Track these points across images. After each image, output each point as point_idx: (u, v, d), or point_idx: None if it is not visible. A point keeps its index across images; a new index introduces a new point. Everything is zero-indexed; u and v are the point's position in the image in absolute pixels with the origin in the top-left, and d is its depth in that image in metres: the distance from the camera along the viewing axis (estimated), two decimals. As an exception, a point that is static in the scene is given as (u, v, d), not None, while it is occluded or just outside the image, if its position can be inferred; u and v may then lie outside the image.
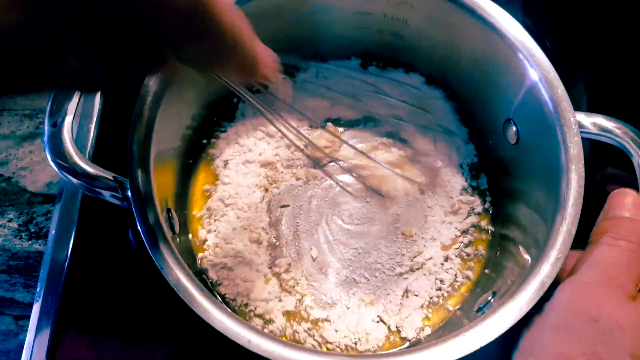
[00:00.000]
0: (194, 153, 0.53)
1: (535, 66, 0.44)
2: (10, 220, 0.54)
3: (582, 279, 0.37)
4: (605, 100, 0.59)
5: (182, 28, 0.27)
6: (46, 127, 0.42)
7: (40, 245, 0.54)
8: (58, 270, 0.49)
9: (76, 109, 0.42)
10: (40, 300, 0.48)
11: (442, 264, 0.50)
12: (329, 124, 0.55)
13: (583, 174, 0.40)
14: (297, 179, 0.53)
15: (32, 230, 0.54)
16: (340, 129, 0.56)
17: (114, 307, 0.49)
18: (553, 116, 0.42)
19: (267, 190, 0.52)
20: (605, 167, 0.46)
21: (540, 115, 0.43)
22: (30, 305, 0.49)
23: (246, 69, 0.34)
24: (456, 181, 0.54)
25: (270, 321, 0.47)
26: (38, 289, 0.48)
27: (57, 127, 0.41)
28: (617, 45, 0.61)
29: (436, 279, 0.50)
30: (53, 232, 0.50)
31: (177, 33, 0.27)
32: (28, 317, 0.47)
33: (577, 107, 0.42)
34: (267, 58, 0.35)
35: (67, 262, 0.49)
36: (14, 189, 0.55)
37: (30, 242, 0.54)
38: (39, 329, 0.47)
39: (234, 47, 0.31)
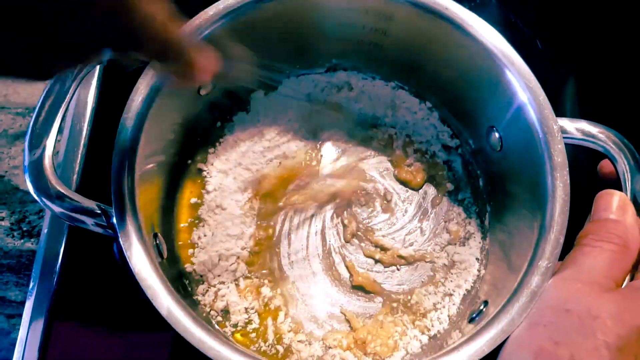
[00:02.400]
0: (178, 175, 0.53)
1: (516, 74, 0.44)
2: (2, 219, 0.54)
3: (560, 277, 0.37)
4: (595, 102, 0.59)
5: (104, 25, 0.29)
6: (26, 157, 0.41)
7: (32, 243, 0.54)
8: (50, 268, 0.49)
9: (58, 142, 0.41)
10: (32, 299, 0.48)
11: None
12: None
13: (568, 181, 0.40)
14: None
15: (25, 228, 0.54)
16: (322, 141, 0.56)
17: (107, 305, 0.49)
18: (535, 124, 0.42)
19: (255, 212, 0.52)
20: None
21: (523, 122, 0.44)
22: (23, 303, 0.48)
23: (179, 69, 0.35)
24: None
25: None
26: (30, 288, 0.48)
27: (37, 156, 0.41)
28: (607, 46, 0.62)
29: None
30: (45, 230, 0.50)
31: (99, 29, 0.29)
32: (20, 316, 0.47)
33: (567, 111, 0.42)
34: (203, 59, 0.36)
35: (59, 261, 0.49)
36: (6, 187, 0.55)
37: (22, 240, 0.54)
38: (31, 327, 0.47)
39: (158, 42, 0.32)
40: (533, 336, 0.35)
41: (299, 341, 0.47)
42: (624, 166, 0.42)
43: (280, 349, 0.47)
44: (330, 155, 0.55)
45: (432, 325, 0.48)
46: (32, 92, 0.59)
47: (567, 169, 0.41)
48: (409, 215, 0.53)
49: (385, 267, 0.51)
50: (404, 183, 0.54)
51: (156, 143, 0.46)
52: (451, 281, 0.51)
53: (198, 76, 0.36)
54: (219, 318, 0.48)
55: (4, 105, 0.58)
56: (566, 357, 0.32)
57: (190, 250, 0.50)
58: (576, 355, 0.32)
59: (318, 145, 0.55)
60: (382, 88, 0.57)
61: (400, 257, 0.51)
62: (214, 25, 0.45)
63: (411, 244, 0.52)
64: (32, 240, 0.54)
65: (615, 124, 0.43)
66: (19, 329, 0.47)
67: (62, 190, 0.40)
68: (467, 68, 0.48)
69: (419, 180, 0.54)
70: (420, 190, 0.54)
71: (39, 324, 0.47)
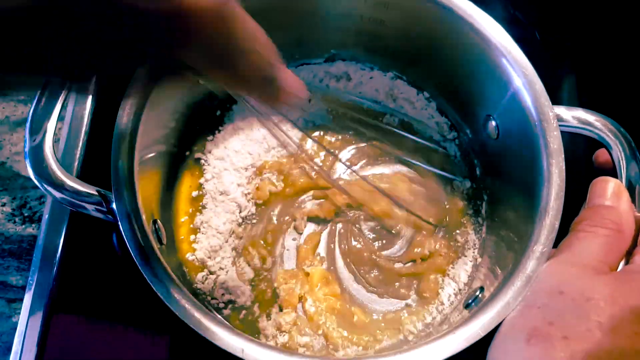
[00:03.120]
0: (177, 162, 0.53)
1: (513, 62, 0.44)
2: (3, 205, 0.55)
3: (554, 261, 0.38)
4: (592, 92, 0.60)
5: (163, 31, 0.28)
6: (27, 142, 0.41)
7: (33, 229, 0.55)
8: (51, 254, 0.49)
9: (59, 129, 0.42)
10: (33, 284, 0.48)
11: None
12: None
13: (564, 167, 0.41)
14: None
15: (26, 214, 0.55)
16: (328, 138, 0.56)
17: (108, 291, 0.49)
18: (531, 111, 0.43)
19: (255, 197, 0.52)
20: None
21: (519, 110, 0.44)
22: (23, 288, 0.49)
23: (261, 87, 0.34)
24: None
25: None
26: (31, 273, 0.49)
27: (38, 142, 0.41)
28: (605, 37, 0.62)
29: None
30: (46, 216, 0.50)
31: (158, 36, 0.29)
32: (21, 300, 0.48)
33: (564, 100, 0.43)
34: (292, 81, 0.35)
35: (60, 246, 0.50)
36: (7, 173, 0.56)
37: (23, 226, 0.54)
38: (31, 312, 0.48)
39: (235, 54, 0.31)
40: (527, 317, 0.36)
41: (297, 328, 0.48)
42: (619, 153, 0.42)
43: (281, 338, 0.47)
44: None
45: (429, 312, 0.49)
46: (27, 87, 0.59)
47: (563, 155, 0.41)
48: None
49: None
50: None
51: (155, 130, 0.46)
52: (449, 268, 0.51)
53: (284, 96, 0.35)
54: (218, 305, 0.48)
55: (5, 93, 0.58)
56: (559, 337, 0.33)
57: (192, 236, 0.50)
58: (569, 335, 0.33)
59: (317, 136, 0.55)
60: (381, 78, 0.57)
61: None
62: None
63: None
64: (33, 225, 0.55)
65: (612, 114, 0.44)
66: (19, 313, 0.47)
67: (63, 176, 0.41)
68: (464, 57, 0.48)
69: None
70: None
71: (39, 314, 0.48)
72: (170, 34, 0.29)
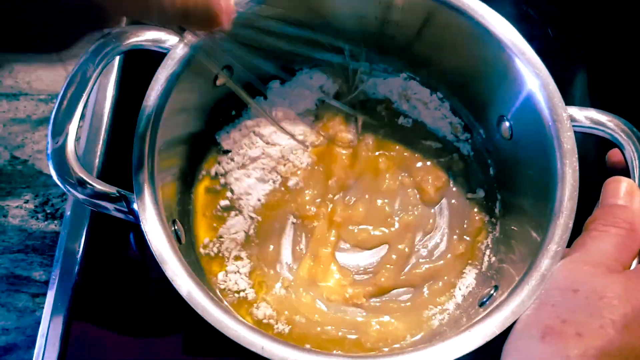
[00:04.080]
0: (197, 162, 0.54)
1: (526, 63, 0.45)
2: (26, 202, 0.56)
3: (568, 260, 0.38)
4: (605, 92, 0.60)
5: None
6: (49, 145, 0.42)
7: (56, 225, 0.56)
8: (73, 249, 0.50)
9: (79, 127, 0.43)
10: (56, 279, 0.49)
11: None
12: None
13: (577, 167, 0.41)
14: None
15: (48, 211, 0.56)
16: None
17: (129, 285, 0.51)
18: (545, 112, 0.43)
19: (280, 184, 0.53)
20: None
21: (533, 111, 0.44)
22: (46, 283, 0.51)
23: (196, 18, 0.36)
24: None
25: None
26: (54, 268, 0.50)
27: (60, 143, 0.42)
28: (618, 35, 0.62)
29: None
30: (68, 213, 0.51)
31: None
32: (44, 295, 0.49)
33: (576, 100, 0.43)
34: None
35: (82, 242, 0.51)
36: (30, 171, 0.57)
37: (46, 222, 0.56)
38: (54, 306, 0.49)
39: None
40: (541, 315, 0.36)
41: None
42: (632, 153, 0.42)
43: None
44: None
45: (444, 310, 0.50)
46: (54, 79, 0.60)
47: (576, 155, 0.42)
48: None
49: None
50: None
51: (175, 130, 0.47)
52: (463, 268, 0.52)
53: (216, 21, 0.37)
54: (234, 303, 0.49)
55: (27, 92, 0.59)
56: (572, 335, 0.33)
57: (209, 238, 0.51)
58: (582, 332, 0.33)
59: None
60: (394, 79, 0.58)
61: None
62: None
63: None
64: (56, 222, 0.56)
65: (624, 113, 0.44)
66: (43, 308, 0.48)
67: (84, 177, 0.42)
68: (477, 57, 0.49)
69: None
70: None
71: (62, 308, 0.48)
72: None
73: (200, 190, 0.53)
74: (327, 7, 0.51)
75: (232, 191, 0.52)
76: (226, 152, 0.54)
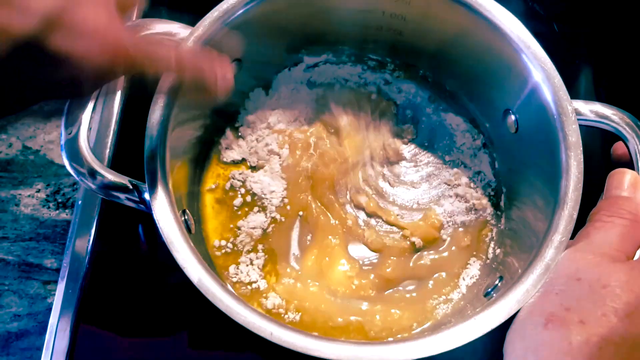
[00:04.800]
0: (205, 151, 0.55)
1: (532, 57, 0.45)
2: (38, 191, 0.57)
3: (572, 249, 0.39)
4: (610, 86, 0.60)
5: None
6: (63, 135, 0.43)
7: (67, 214, 0.57)
8: (84, 238, 0.51)
9: (91, 118, 0.43)
10: (67, 267, 0.50)
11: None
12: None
13: (582, 160, 0.42)
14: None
15: (59, 200, 0.57)
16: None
17: (139, 274, 0.52)
18: (550, 105, 0.44)
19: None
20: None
21: (538, 104, 0.45)
22: (58, 271, 0.52)
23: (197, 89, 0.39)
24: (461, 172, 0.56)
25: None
26: (65, 256, 0.51)
27: (73, 134, 0.43)
28: (624, 30, 0.63)
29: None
30: (79, 202, 0.52)
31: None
32: (55, 282, 0.50)
33: (581, 94, 0.43)
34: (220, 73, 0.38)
35: (93, 231, 0.52)
36: (42, 161, 0.58)
37: (57, 211, 0.57)
38: (65, 293, 0.50)
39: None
40: (544, 303, 0.37)
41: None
42: (636, 146, 0.43)
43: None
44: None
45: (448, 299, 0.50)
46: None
47: (581, 148, 0.42)
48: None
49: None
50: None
51: (185, 123, 0.48)
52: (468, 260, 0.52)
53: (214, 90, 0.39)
54: (243, 292, 0.50)
55: None
56: (575, 322, 0.34)
57: (216, 241, 0.52)
58: (585, 320, 0.34)
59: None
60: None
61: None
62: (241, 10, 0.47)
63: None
64: (67, 211, 0.57)
65: (629, 107, 0.45)
66: (54, 295, 0.49)
67: (96, 167, 0.42)
68: (483, 52, 0.49)
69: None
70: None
71: (73, 294, 0.50)
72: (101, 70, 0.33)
73: (209, 181, 0.54)
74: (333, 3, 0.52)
75: (246, 188, 0.54)
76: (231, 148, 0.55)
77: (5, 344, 0.52)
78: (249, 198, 0.53)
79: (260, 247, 0.52)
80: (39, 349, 0.48)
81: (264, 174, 0.54)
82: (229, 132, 0.55)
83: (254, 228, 0.52)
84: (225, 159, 0.55)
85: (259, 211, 0.53)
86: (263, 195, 0.53)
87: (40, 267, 0.55)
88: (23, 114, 0.59)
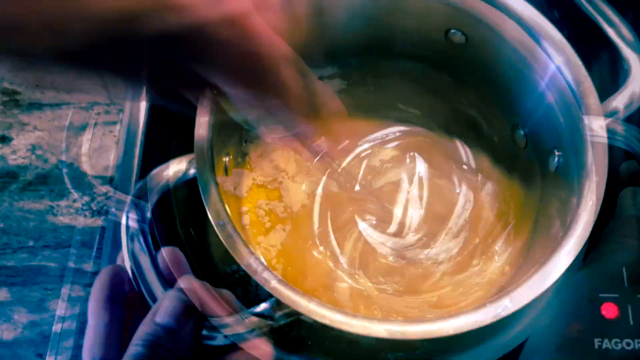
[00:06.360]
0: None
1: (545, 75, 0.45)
2: (74, 201, 0.61)
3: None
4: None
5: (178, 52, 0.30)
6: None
7: (102, 221, 0.61)
8: (119, 243, 0.52)
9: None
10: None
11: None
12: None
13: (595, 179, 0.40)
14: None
15: (94, 208, 0.61)
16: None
17: None
18: (561, 121, 0.44)
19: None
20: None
21: (550, 121, 0.45)
22: (96, 273, 0.55)
23: (299, 104, 0.34)
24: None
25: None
26: (102, 261, 0.55)
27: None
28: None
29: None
30: (113, 209, 0.56)
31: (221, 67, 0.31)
32: None
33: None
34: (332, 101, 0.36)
35: None
36: (76, 173, 0.62)
37: (93, 219, 0.60)
38: None
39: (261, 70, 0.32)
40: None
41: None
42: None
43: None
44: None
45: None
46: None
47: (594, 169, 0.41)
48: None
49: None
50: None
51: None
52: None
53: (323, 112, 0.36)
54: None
55: (69, 102, 0.64)
56: None
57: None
58: None
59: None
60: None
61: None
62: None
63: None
64: (102, 218, 0.61)
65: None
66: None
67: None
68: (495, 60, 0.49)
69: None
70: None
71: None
72: (182, 54, 0.30)
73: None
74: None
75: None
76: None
77: (53, 344, 0.56)
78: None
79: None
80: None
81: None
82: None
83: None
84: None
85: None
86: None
87: (80, 272, 0.58)
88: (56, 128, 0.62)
